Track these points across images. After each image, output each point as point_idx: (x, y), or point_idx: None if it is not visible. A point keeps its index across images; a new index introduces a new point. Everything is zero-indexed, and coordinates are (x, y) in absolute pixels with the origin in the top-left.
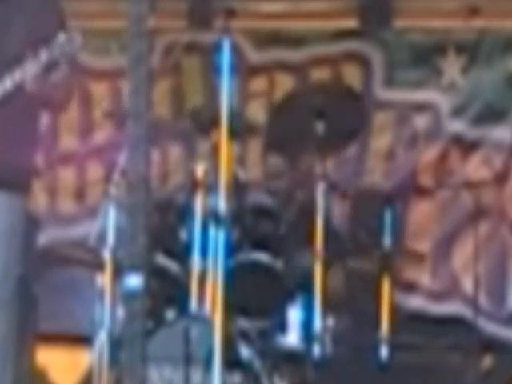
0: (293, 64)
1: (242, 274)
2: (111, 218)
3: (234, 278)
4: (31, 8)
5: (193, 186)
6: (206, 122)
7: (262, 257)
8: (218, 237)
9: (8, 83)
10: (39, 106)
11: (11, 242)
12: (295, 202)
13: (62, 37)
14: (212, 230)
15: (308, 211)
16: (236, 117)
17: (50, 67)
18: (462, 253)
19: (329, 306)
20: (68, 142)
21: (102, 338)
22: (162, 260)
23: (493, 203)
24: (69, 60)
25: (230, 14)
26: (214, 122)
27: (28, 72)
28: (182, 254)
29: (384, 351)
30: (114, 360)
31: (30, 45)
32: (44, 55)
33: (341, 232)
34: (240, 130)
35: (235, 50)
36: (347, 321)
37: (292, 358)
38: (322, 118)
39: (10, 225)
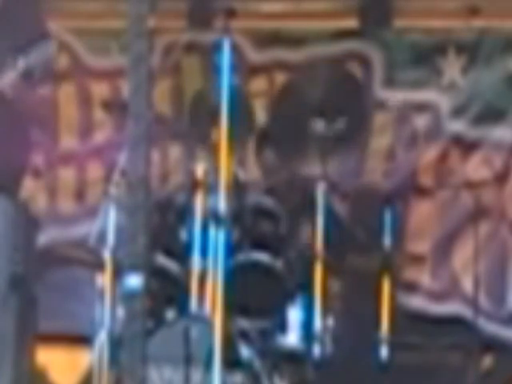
0: (293, 64)
1: (242, 274)
2: (111, 218)
3: (234, 277)
4: (15, 23)
5: (193, 186)
6: (206, 117)
7: (262, 257)
8: (218, 237)
9: None
10: (26, 120)
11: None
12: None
13: (38, 45)
14: (212, 230)
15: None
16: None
17: (26, 75)
18: (462, 253)
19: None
20: (68, 142)
21: (101, 338)
22: (162, 260)
23: (493, 203)
24: (44, 68)
25: (230, 13)
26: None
27: (6, 79)
28: (182, 254)
29: (384, 351)
30: (114, 360)
31: (8, 55)
32: (21, 63)
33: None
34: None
35: (235, 49)
36: (347, 321)
37: (292, 358)
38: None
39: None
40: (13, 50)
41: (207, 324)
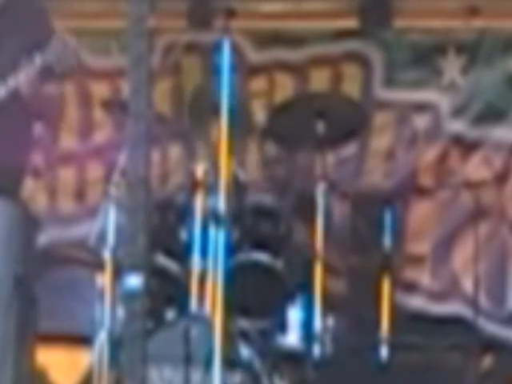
0: (293, 64)
1: (242, 274)
2: (111, 218)
3: (233, 277)
4: (23, 21)
5: (193, 186)
6: (205, 110)
7: (262, 257)
8: (218, 237)
9: (1, 91)
10: (33, 117)
11: (6, 242)
12: (293, 190)
13: (56, 42)
14: (212, 230)
15: (306, 200)
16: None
17: (45, 73)
18: (462, 253)
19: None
20: (68, 142)
21: (102, 338)
22: (162, 260)
23: (493, 203)
24: (63, 65)
25: (230, 13)
26: (213, 111)
27: (22, 77)
28: (182, 254)
29: (384, 351)
30: (114, 360)
31: (23, 54)
32: (38, 60)
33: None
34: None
35: (235, 49)
36: (347, 321)
37: (292, 358)
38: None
39: (4, 226)
40: (26, 48)
41: (207, 324)
